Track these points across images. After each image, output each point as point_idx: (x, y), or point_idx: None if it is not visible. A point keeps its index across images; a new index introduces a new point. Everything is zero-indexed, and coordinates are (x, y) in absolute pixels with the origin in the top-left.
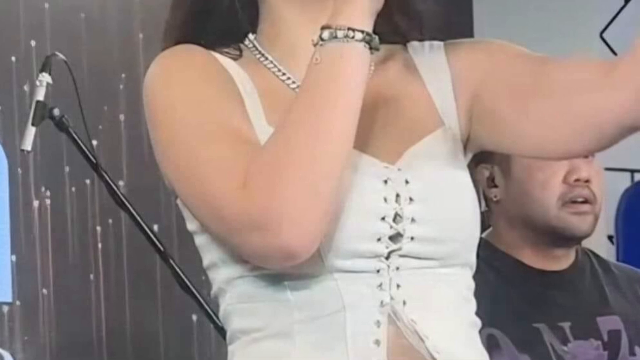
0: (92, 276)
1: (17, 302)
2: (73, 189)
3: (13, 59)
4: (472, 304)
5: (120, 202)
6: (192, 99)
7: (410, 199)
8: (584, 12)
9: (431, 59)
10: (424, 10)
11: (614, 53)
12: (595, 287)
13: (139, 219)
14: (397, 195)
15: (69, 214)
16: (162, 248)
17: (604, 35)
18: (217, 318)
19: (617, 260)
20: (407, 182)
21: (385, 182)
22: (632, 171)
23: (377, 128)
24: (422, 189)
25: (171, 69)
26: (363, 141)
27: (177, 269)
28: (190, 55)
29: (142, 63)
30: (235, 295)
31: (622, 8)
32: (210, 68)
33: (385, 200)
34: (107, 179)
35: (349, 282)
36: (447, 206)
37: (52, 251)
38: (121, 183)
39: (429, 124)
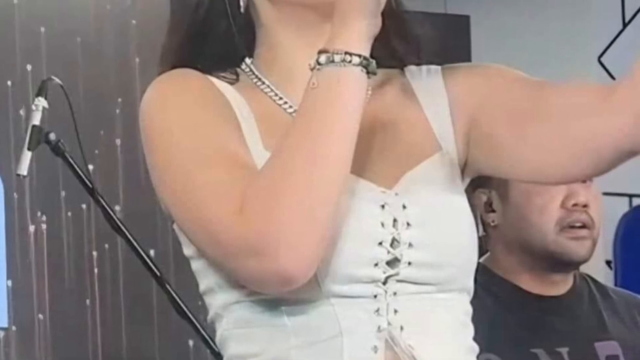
0: (88, 301)
1: (13, 328)
2: (69, 213)
3: (9, 83)
4: (470, 329)
5: (117, 227)
6: (188, 124)
7: (408, 224)
8: (582, 36)
9: (429, 84)
10: (421, 34)
11: (612, 77)
12: (594, 313)
13: (135, 244)
14: (395, 220)
15: (65, 239)
16: (158, 273)
17: (602, 59)
18: (214, 343)
19: (615, 285)
20: (404, 206)
21: (383, 206)
22: (631, 196)
23: (375, 152)
24: (419, 213)
25: (167, 93)
26: (360, 166)
27: (174, 294)
28: (186, 79)
29: (139, 87)
30: (232, 320)
31: (620, 32)
32: (207, 92)
33: (383, 225)
34: (104, 203)
35: (346, 307)
36: (445, 231)
37: (48, 276)
38: (117, 208)
39: (426, 148)
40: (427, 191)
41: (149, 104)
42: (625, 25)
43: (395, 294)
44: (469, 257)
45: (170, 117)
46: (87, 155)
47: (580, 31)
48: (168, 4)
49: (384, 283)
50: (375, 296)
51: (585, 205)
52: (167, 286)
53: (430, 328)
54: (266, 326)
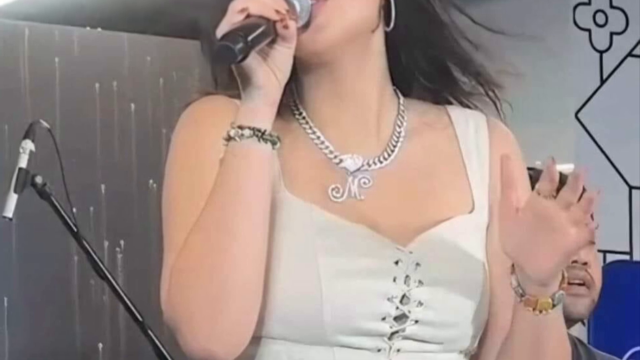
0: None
1: None
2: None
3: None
4: None
5: (102, 272)
6: (189, 164)
7: (420, 282)
8: (559, 92)
9: (476, 139)
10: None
11: (589, 134)
12: None
13: (118, 288)
14: (407, 277)
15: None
16: (140, 318)
17: (579, 115)
18: None
19: (589, 342)
20: (418, 264)
21: (397, 263)
22: (605, 252)
23: (399, 202)
24: (432, 273)
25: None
26: (380, 215)
27: (154, 338)
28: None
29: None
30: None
31: (597, 89)
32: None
33: (395, 280)
34: (88, 248)
35: (347, 357)
36: (456, 294)
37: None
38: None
39: (457, 205)
40: (442, 251)
41: (180, 126)
42: (603, 81)
43: (399, 350)
44: (477, 320)
45: (177, 153)
46: (72, 198)
47: (557, 87)
48: (161, 49)
49: (389, 338)
50: (378, 350)
51: (585, 263)
52: (149, 331)
53: None
54: None
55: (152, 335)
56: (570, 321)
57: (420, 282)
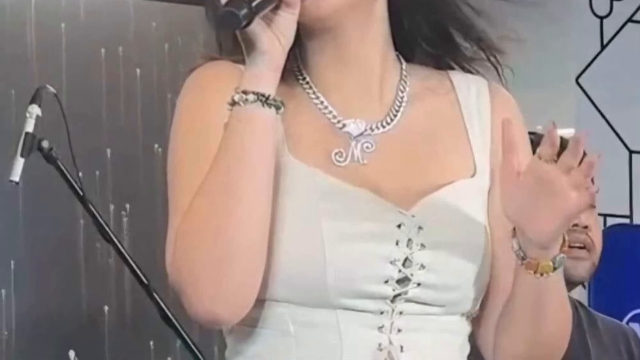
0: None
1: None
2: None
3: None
4: (467, 350)
5: (108, 235)
6: (196, 127)
7: (422, 245)
8: (559, 57)
9: (476, 101)
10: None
11: (590, 99)
12: (580, 341)
13: (124, 252)
14: (409, 240)
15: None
16: (145, 281)
17: (580, 80)
18: (198, 350)
19: (589, 305)
20: (420, 228)
21: (399, 226)
22: (605, 215)
23: (401, 166)
24: (434, 237)
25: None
26: (383, 178)
27: (159, 300)
28: (215, 81)
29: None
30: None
31: (598, 54)
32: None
33: (397, 243)
34: (94, 211)
35: (350, 319)
36: (458, 257)
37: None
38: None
39: (457, 170)
40: (445, 215)
41: (185, 92)
42: (603, 47)
43: (401, 313)
44: (478, 283)
45: (182, 118)
46: (78, 162)
47: (558, 52)
48: (166, 15)
49: (392, 301)
50: (381, 312)
51: (585, 227)
52: (154, 294)
53: (430, 351)
54: (271, 329)
55: (157, 298)
56: (570, 284)
57: (422, 245)
